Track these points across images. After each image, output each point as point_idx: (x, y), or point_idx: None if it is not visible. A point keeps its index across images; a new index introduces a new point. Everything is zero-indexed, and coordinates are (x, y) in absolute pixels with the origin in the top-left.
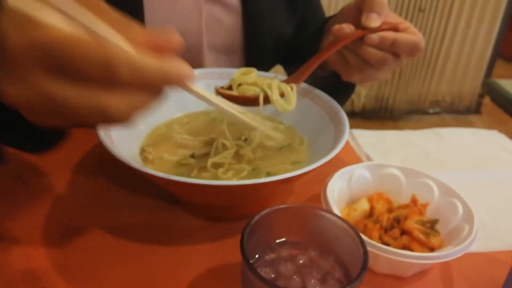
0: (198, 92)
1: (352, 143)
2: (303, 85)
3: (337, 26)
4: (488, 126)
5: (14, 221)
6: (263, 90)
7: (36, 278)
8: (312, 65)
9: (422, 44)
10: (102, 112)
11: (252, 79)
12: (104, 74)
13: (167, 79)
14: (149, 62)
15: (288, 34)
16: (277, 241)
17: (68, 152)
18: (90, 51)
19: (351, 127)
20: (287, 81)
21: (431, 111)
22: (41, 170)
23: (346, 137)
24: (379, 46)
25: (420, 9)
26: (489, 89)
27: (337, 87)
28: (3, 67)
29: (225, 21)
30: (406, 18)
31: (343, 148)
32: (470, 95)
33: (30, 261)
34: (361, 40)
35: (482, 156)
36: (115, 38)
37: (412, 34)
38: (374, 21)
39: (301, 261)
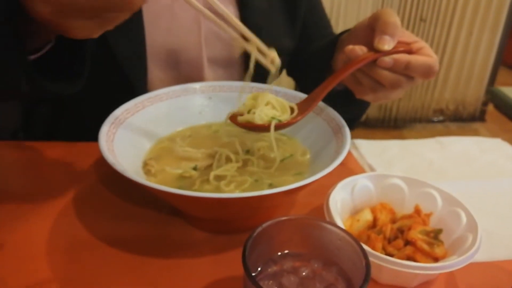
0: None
1: (354, 153)
2: (304, 96)
3: (349, 47)
4: (493, 133)
5: (18, 233)
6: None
7: None
8: (324, 89)
9: (436, 67)
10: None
11: (264, 101)
12: None
13: None
14: None
15: (288, 47)
16: (280, 253)
17: (71, 165)
18: None
19: (355, 136)
20: (299, 106)
21: (435, 119)
22: (45, 184)
23: (347, 147)
24: (392, 68)
25: (421, 19)
26: (493, 97)
27: (351, 102)
28: None
29: (224, 35)
30: (407, 28)
31: (346, 159)
32: (473, 103)
33: (34, 273)
34: (374, 62)
35: (485, 165)
36: None
37: (426, 56)
38: (387, 43)
39: (304, 273)
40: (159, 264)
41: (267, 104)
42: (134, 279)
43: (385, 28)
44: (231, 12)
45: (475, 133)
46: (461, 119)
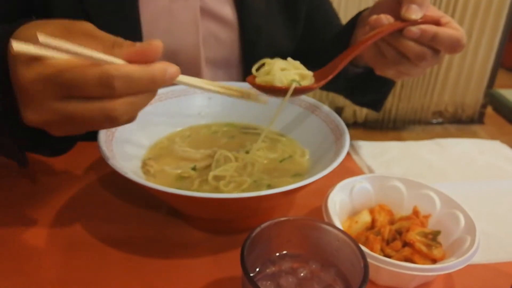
0: (187, 82)
1: (353, 155)
2: (305, 97)
3: (374, 17)
4: (492, 136)
5: (16, 233)
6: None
7: None
8: (347, 57)
9: (464, 40)
10: (108, 116)
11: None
12: (103, 88)
13: (155, 81)
14: (137, 70)
15: (287, 48)
16: (278, 254)
17: (70, 166)
18: (87, 72)
19: (354, 138)
20: (316, 75)
21: (434, 121)
22: (44, 185)
23: (346, 149)
24: (419, 39)
25: None
26: (492, 99)
27: (370, 84)
28: (22, 100)
29: (222, 36)
30: None
31: (344, 160)
32: (472, 105)
33: (32, 273)
34: (399, 32)
35: (484, 167)
36: (107, 57)
37: (454, 29)
38: (415, 12)
39: (302, 274)
40: (158, 264)
41: (283, 70)
42: (132, 279)
43: None
44: (228, 14)
45: (474, 135)
46: (460, 121)
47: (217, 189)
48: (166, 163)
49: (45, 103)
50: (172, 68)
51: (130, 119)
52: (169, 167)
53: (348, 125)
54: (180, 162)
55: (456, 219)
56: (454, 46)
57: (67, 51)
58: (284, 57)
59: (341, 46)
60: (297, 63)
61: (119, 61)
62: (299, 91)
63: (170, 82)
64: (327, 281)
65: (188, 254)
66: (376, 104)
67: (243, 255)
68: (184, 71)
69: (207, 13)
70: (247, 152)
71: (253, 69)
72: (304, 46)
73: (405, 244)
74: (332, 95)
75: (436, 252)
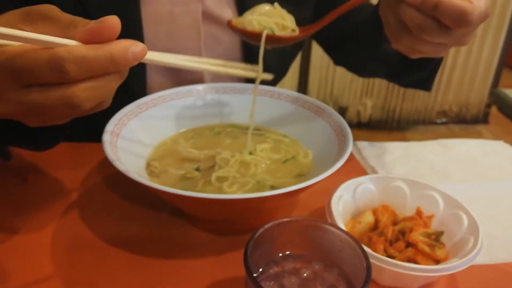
0: (161, 60)
1: (357, 156)
2: (308, 98)
3: None
4: (496, 135)
5: (21, 233)
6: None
7: None
8: (333, 14)
9: (474, 14)
10: (69, 103)
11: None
12: (55, 72)
13: (115, 61)
14: (91, 50)
15: (291, 50)
16: (281, 254)
17: (74, 166)
18: (38, 56)
19: (358, 138)
20: (301, 30)
21: (438, 121)
22: (48, 184)
23: (349, 149)
24: (420, 7)
25: None
26: (496, 99)
27: (410, 62)
28: None
29: (223, 39)
30: None
31: (348, 161)
32: (477, 105)
33: (37, 272)
34: None
35: (487, 168)
36: (58, 40)
37: (464, 1)
38: None
39: (305, 275)
40: (161, 264)
41: (265, 15)
42: (136, 280)
43: None
44: (230, 16)
45: (479, 135)
46: (464, 121)
47: (220, 190)
48: (170, 164)
49: (4, 94)
50: (136, 47)
51: (97, 106)
52: (173, 168)
53: (352, 125)
54: (184, 163)
55: (459, 220)
56: (459, 19)
57: (18, 38)
58: (287, 61)
59: (375, 23)
60: (284, 12)
61: (72, 43)
62: (273, 39)
63: (134, 61)
64: (330, 282)
65: (191, 255)
66: (424, 83)
67: (246, 255)
68: (186, 74)
69: (208, 16)
70: (250, 153)
71: (246, 12)
72: (337, 34)
73: (408, 244)
74: (335, 95)
75: (439, 253)
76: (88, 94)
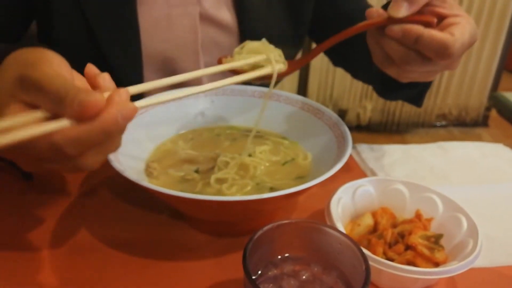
0: (156, 101)
1: (356, 158)
2: (307, 101)
3: (368, 10)
4: (496, 138)
5: (20, 235)
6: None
7: None
8: (317, 51)
9: (454, 48)
10: (82, 168)
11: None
12: (59, 156)
13: (108, 133)
14: (83, 131)
15: (291, 54)
16: (280, 256)
17: None
18: (39, 146)
19: (357, 141)
20: (290, 63)
21: (437, 124)
22: (47, 186)
23: (349, 152)
24: (402, 40)
25: None
26: (496, 102)
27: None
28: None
29: (221, 41)
30: None
31: (347, 163)
32: (476, 108)
33: (36, 274)
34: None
35: (487, 170)
36: (48, 127)
37: (445, 33)
38: (402, 10)
39: (304, 277)
40: (160, 266)
41: (254, 52)
42: (135, 281)
43: None
44: (228, 19)
45: (478, 138)
46: (464, 124)
47: (219, 192)
48: (169, 166)
49: (23, 164)
50: (125, 110)
51: (98, 164)
52: (172, 169)
53: (352, 128)
54: (183, 164)
55: (458, 223)
56: (440, 52)
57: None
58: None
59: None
60: (271, 48)
61: (64, 124)
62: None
63: (127, 122)
64: (329, 284)
65: (190, 256)
66: (415, 100)
67: (245, 257)
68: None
69: (206, 19)
70: (250, 155)
71: (235, 50)
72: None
73: (408, 247)
74: (335, 98)
75: (438, 256)
76: (95, 158)
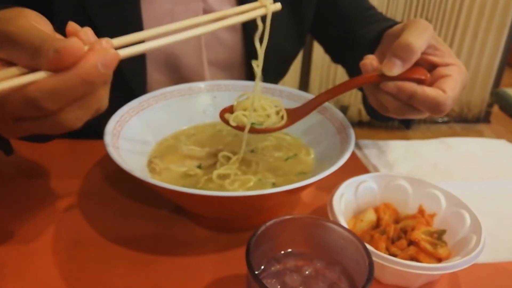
0: (131, 53)
1: (358, 154)
2: (308, 96)
3: (362, 62)
4: (498, 135)
5: (22, 231)
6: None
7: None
8: (318, 103)
9: (446, 106)
10: (63, 126)
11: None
12: (36, 112)
13: (88, 82)
14: (61, 81)
15: (292, 50)
16: (283, 252)
17: (76, 163)
18: (14, 100)
19: (359, 137)
20: (289, 112)
21: (439, 120)
22: (50, 182)
23: (351, 147)
24: (396, 96)
25: (426, 19)
26: (498, 98)
27: None
28: None
29: (224, 39)
30: None
31: (350, 159)
32: (479, 104)
33: (38, 270)
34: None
35: (490, 166)
36: (23, 79)
37: (438, 90)
38: (394, 69)
39: (307, 272)
40: (163, 261)
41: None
42: (137, 277)
43: (399, 50)
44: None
45: (480, 134)
46: (466, 120)
47: (222, 188)
48: (172, 161)
49: (5, 125)
50: (105, 58)
51: (88, 117)
52: (174, 165)
53: (354, 124)
54: (186, 160)
55: (461, 218)
56: (433, 109)
57: None
58: (289, 60)
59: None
60: (269, 102)
61: (39, 76)
62: (259, 131)
63: (109, 71)
64: (332, 279)
65: (193, 252)
66: (405, 122)
67: (248, 253)
68: (186, 73)
69: None
70: (252, 151)
71: (235, 101)
72: (338, 38)
73: (410, 243)
74: None
75: (441, 251)
76: (77, 114)
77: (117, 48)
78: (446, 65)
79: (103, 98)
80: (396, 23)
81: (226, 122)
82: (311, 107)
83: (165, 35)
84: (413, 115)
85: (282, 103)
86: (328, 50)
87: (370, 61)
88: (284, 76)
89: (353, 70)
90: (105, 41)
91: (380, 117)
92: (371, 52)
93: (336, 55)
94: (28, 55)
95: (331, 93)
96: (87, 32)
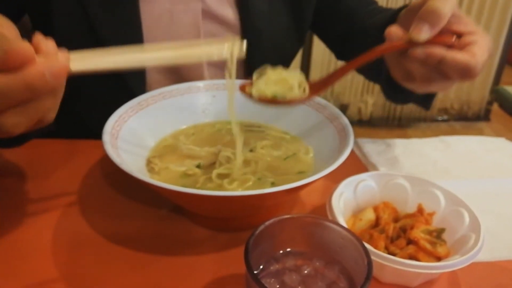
0: (84, 69)
1: (358, 153)
2: None
3: (387, 29)
4: (498, 133)
5: (22, 231)
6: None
7: (43, 287)
8: (341, 73)
9: (476, 69)
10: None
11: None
12: None
13: (32, 89)
14: (4, 83)
15: (292, 49)
16: (282, 251)
17: (75, 163)
18: None
19: (359, 135)
20: (311, 86)
21: (439, 118)
22: (49, 182)
23: (350, 146)
24: (425, 62)
25: None
26: (498, 96)
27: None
28: None
29: (223, 37)
30: None
31: (349, 158)
32: (478, 102)
33: (37, 270)
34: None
35: (489, 165)
36: None
37: (467, 54)
38: (422, 34)
39: (306, 272)
40: (162, 261)
41: (274, 80)
42: (137, 276)
43: (426, 15)
44: (230, 16)
45: (480, 132)
46: (465, 119)
47: (221, 187)
48: (171, 161)
49: None
50: (52, 67)
51: (35, 125)
52: (173, 164)
53: (353, 123)
54: (185, 160)
55: (460, 217)
56: (463, 73)
57: None
58: (288, 58)
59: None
60: (292, 74)
61: None
62: (281, 102)
63: (57, 81)
64: (331, 279)
65: (192, 252)
66: (423, 102)
67: (247, 252)
68: (185, 73)
69: (208, 15)
70: (251, 150)
71: (254, 76)
72: (343, 32)
73: (410, 241)
74: (336, 93)
75: (440, 250)
76: (15, 120)
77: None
78: (471, 33)
79: (48, 109)
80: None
81: (249, 95)
82: (334, 78)
83: (130, 53)
84: (440, 84)
85: (303, 76)
86: (331, 46)
87: (395, 29)
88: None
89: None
90: (62, 53)
91: (399, 98)
92: (382, 39)
93: (340, 51)
94: None
95: (355, 63)
96: (48, 43)
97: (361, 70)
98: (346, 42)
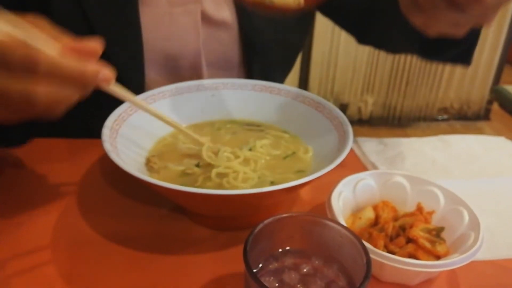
0: (118, 92)
1: (357, 151)
2: (308, 94)
3: None
4: (498, 132)
5: (22, 230)
6: None
7: (43, 286)
8: None
9: None
10: (26, 98)
11: None
12: (25, 69)
13: (85, 76)
14: (67, 61)
15: (294, 44)
16: (281, 250)
17: (74, 162)
18: (16, 49)
19: (359, 134)
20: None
21: (439, 118)
22: (48, 181)
23: (350, 145)
24: None
25: None
26: (498, 95)
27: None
28: None
29: (222, 39)
30: None
31: (348, 157)
32: (478, 102)
33: (38, 270)
34: None
35: (489, 164)
36: (41, 44)
37: None
38: None
39: (305, 270)
40: (161, 260)
41: None
42: (136, 275)
43: None
44: (229, 17)
45: (480, 131)
46: (465, 118)
47: (220, 186)
48: (170, 160)
49: None
50: (107, 72)
51: (50, 110)
52: (172, 163)
53: (353, 122)
54: (184, 159)
55: (460, 216)
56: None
57: (16, 27)
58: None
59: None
60: None
61: (51, 52)
62: (268, 7)
63: (101, 83)
64: (330, 277)
65: (191, 250)
66: (461, 57)
67: (246, 251)
68: (184, 74)
69: (207, 17)
70: (250, 149)
71: None
72: (359, 9)
73: (409, 240)
74: (336, 92)
75: (439, 249)
76: (48, 96)
77: None
78: None
79: (69, 101)
80: None
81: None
82: None
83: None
84: (446, 11)
85: None
86: (350, 28)
87: None
88: (292, 67)
89: (382, 41)
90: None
91: (434, 54)
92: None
93: (361, 31)
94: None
95: None
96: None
97: (387, 40)
98: (366, 21)
